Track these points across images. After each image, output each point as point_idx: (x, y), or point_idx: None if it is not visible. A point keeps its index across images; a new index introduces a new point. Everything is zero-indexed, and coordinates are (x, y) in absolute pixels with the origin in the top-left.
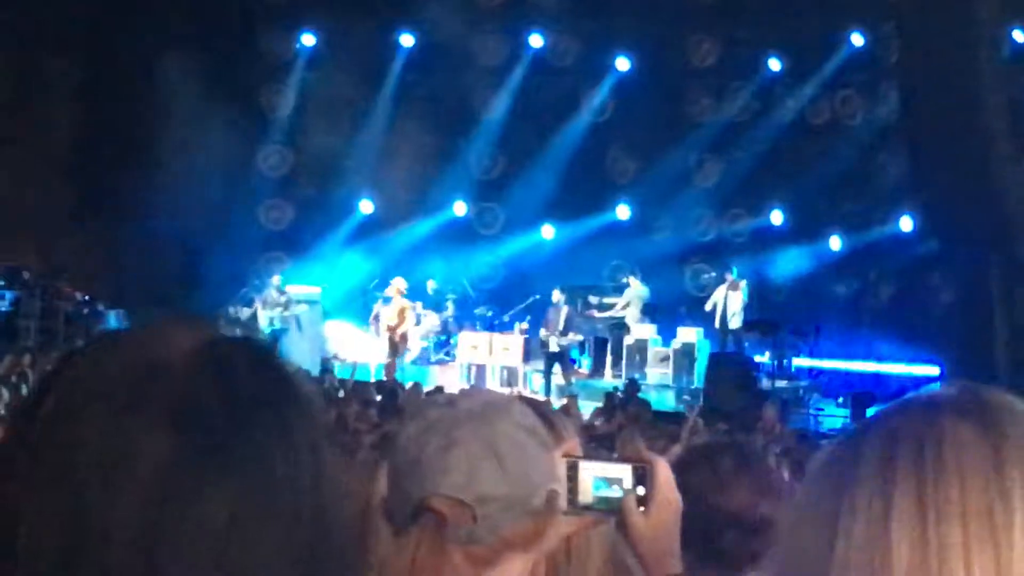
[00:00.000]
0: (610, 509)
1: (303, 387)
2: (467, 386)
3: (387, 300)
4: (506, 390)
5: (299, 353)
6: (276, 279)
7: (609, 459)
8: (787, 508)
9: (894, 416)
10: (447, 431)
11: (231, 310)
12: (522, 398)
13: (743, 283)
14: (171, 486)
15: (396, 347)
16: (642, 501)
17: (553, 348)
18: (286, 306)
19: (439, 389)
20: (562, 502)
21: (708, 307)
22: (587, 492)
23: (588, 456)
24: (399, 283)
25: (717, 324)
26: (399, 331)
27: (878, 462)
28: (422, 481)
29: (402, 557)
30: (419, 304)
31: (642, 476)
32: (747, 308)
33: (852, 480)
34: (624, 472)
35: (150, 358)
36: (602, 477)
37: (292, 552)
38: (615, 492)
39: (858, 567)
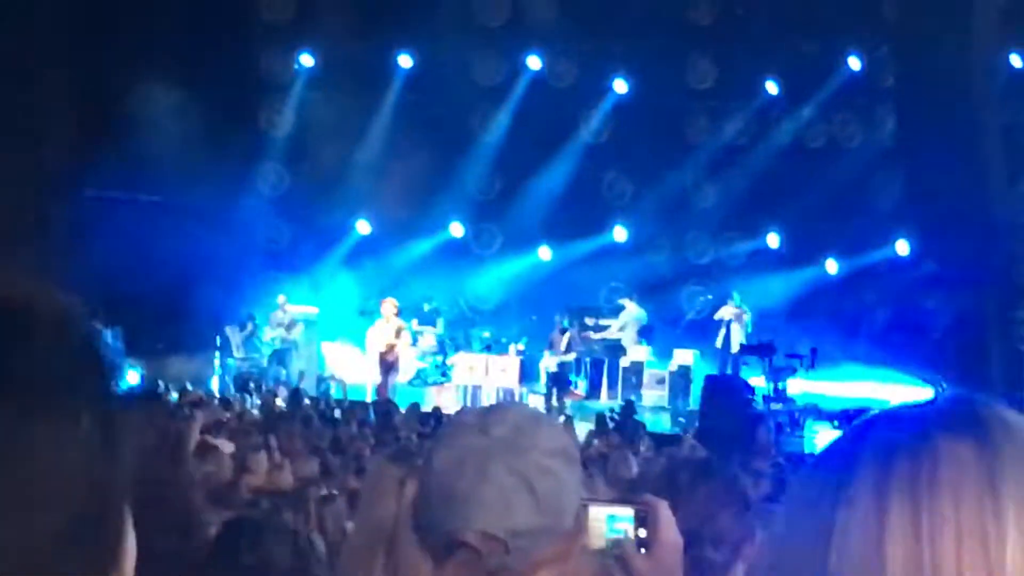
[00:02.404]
0: (613, 551)
1: (61, 340)
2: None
3: (378, 321)
4: None
5: (296, 373)
6: (281, 299)
7: (614, 501)
8: (778, 521)
9: (888, 430)
10: (480, 464)
11: (227, 330)
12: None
13: (747, 315)
14: None
15: (389, 368)
16: (644, 543)
17: (552, 369)
18: (288, 327)
19: (436, 411)
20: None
21: (717, 316)
22: (599, 535)
23: (595, 500)
24: (390, 304)
25: (719, 344)
26: (393, 352)
27: (872, 479)
28: (455, 514)
29: None
30: (415, 322)
31: (644, 518)
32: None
33: (846, 496)
34: (626, 514)
35: None
36: (616, 518)
37: None
38: (620, 534)
39: None
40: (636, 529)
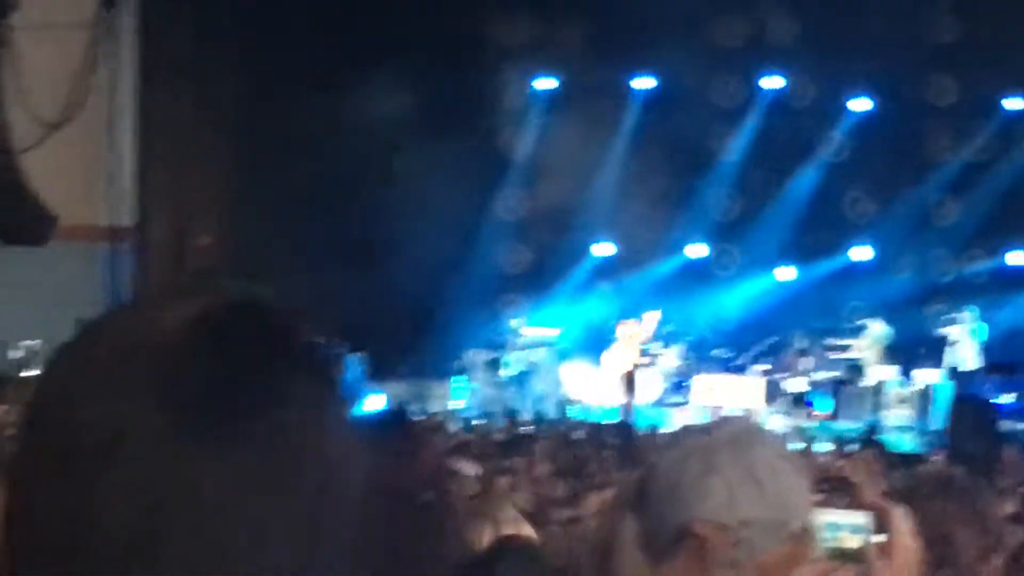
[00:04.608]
0: (851, 557)
1: (310, 351)
2: None
3: (618, 342)
4: None
5: (537, 396)
6: (520, 322)
7: (846, 507)
8: None
9: None
10: (706, 457)
11: (469, 354)
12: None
13: (977, 325)
14: (163, 465)
15: (629, 389)
16: (882, 549)
17: (793, 390)
18: (529, 350)
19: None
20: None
21: (948, 336)
22: (820, 542)
23: (824, 506)
24: (630, 325)
25: (955, 362)
26: (633, 373)
27: None
28: (682, 506)
29: None
30: (656, 343)
31: (881, 524)
32: (988, 349)
33: None
34: (864, 520)
35: (141, 333)
36: (840, 524)
37: (292, 525)
38: (855, 540)
39: None
40: (874, 535)
